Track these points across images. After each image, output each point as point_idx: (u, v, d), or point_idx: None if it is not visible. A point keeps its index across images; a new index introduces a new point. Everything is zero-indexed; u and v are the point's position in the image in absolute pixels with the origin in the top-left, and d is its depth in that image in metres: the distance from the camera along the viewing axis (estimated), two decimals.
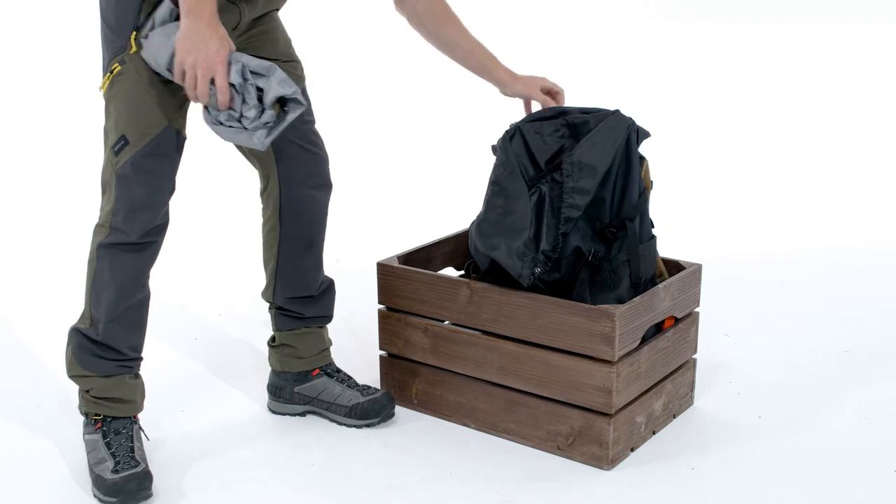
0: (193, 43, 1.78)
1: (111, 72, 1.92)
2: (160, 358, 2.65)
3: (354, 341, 2.74)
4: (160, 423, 2.27)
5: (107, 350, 2.04)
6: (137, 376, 2.10)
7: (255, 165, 2.21)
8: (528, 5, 5.14)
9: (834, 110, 4.73)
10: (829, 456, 2.12)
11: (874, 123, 4.64)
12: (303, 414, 2.32)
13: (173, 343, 2.75)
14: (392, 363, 2.35)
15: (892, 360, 2.60)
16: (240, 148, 2.21)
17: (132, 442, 2.03)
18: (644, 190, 2.15)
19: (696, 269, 2.26)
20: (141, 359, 2.10)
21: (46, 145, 4.35)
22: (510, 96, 2.30)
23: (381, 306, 2.33)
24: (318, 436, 2.23)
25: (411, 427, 2.27)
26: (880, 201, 3.99)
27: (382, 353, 2.36)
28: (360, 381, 2.42)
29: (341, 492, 2.00)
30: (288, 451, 2.17)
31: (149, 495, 1.95)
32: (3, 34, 4.58)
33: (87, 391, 2.06)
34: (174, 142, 1.96)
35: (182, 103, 1.97)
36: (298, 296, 2.26)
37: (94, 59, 1.99)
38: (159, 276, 3.28)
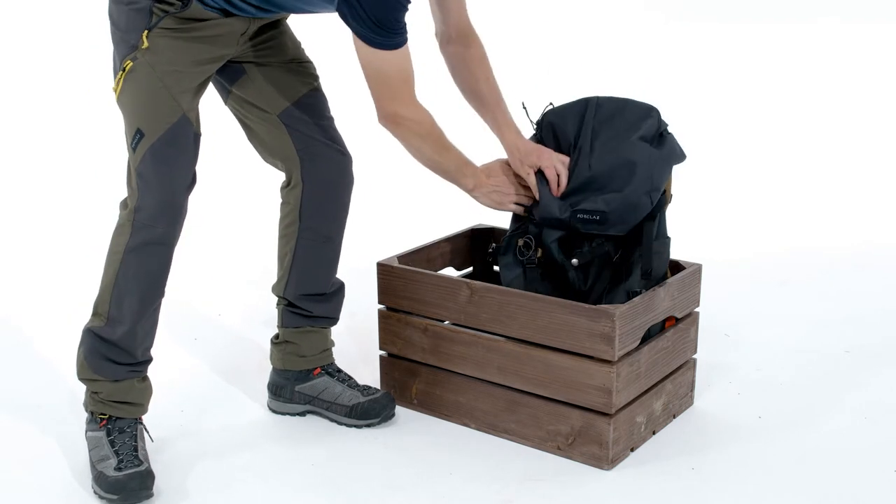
0: (493, 192, 2.24)
1: (123, 69, 1.93)
2: (160, 358, 2.64)
3: (354, 341, 2.74)
4: (160, 423, 2.27)
5: (121, 353, 2.04)
6: (145, 378, 2.11)
7: (276, 165, 2.23)
8: (528, 4, 5.14)
9: (834, 110, 4.73)
10: (829, 456, 2.12)
11: (875, 123, 4.63)
12: (303, 414, 2.32)
13: (173, 343, 2.75)
14: (392, 363, 2.35)
15: (892, 360, 2.59)
16: (258, 148, 2.22)
17: (136, 441, 2.03)
18: (664, 192, 2.21)
19: (696, 269, 2.26)
20: (150, 360, 2.11)
21: (56, 147, 4.35)
22: (522, 163, 2.28)
23: (381, 306, 2.33)
24: (318, 436, 2.23)
25: (411, 427, 2.27)
26: (880, 201, 3.99)
27: (382, 353, 2.36)
28: (360, 381, 2.42)
29: (341, 492, 2.00)
30: (288, 451, 2.17)
31: (150, 494, 1.95)
32: (23, 37, 4.58)
33: (96, 393, 2.06)
34: (190, 133, 1.97)
35: (194, 99, 1.98)
36: (311, 293, 2.26)
37: (105, 60, 2.01)
38: None
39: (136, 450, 2.01)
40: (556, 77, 4.78)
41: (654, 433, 2.21)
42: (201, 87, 2.00)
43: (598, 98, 2.23)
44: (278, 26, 2.14)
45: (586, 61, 5.00)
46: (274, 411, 2.34)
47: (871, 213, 3.86)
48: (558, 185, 2.22)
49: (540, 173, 2.23)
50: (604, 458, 2.06)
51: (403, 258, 2.35)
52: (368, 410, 2.24)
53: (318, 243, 2.23)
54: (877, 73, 4.86)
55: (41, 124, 4.42)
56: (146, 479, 1.94)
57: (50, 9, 4.59)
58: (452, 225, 2.65)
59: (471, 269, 2.59)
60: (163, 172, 1.94)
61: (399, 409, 2.34)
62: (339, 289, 2.33)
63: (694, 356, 2.33)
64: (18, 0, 4.60)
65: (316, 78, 2.19)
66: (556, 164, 2.22)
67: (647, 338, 2.14)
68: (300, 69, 2.16)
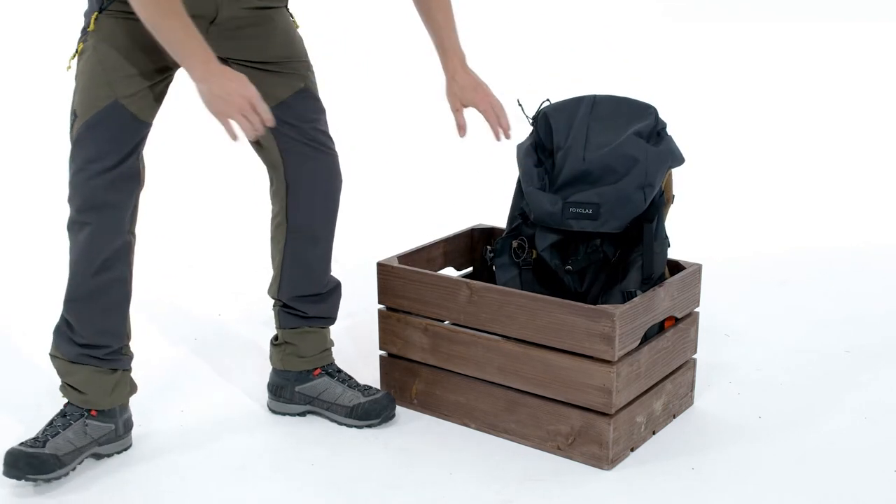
0: (220, 96, 1.85)
1: (76, 52, 1.97)
2: (161, 358, 2.65)
3: (354, 341, 2.74)
4: (161, 424, 2.27)
5: (71, 331, 2.07)
6: (112, 371, 2.10)
7: (266, 166, 2.23)
8: (528, 4, 5.14)
9: (834, 110, 4.73)
10: (829, 456, 2.12)
11: (875, 123, 4.64)
12: (303, 414, 2.32)
13: (173, 343, 2.75)
14: (392, 363, 2.35)
15: (892, 360, 2.60)
16: (253, 146, 2.21)
17: (63, 429, 2.05)
18: (662, 194, 2.20)
19: (696, 269, 2.26)
20: (108, 349, 2.09)
21: (56, 148, 4.34)
22: (456, 97, 2.19)
23: (381, 306, 2.33)
24: (318, 435, 2.23)
25: (411, 427, 2.27)
26: (880, 201, 3.99)
27: (382, 353, 2.36)
28: (361, 381, 2.42)
29: (341, 492, 2.01)
30: (288, 450, 2.17)
31: (24, 478, 1.96)
32: (21, 37, 4.58)
33: (57, 370, 2.10)
34: (123, 119, 1.96)
35: (141, 84, 1.96)
36: (304, 294, 2.26)
37: None
38: (160, 276, 3.28)
39: (54, 435, 2.03)
40: (556, 76, 4.78)
41: (654, 433, 2.21)
42: (155, 74, 1.98)
43: (595, 96, 2.23)
44: (261, 23, 2.08)
45: (586, 61, 5.00)
46: (274, 411, 2.34)
47: (871, 213, 3.87)
48: (501, 126, 2.16)
49: (538, 189, 2.20)
50: (604, 458, 2.06)
51: (403, 258, 2.35)
52: (369, 411, 2.24)
53: (307, 244, 2.22)
54: (877, 73, 4.87)
55: (38, 125, 4.42)
56: (27, 463, 1.96)
57: (48, 8, 4.59)
58: (452, 225, 2.65)
59: (471, 269, 2.59)
60: (80, 155, 1.97)
61: (399, 409, 2.34)
62: (335, 288, 2.32)
63: (694, 356, 2.33)
64: (18, 0, 4.60)
65: (303, 78, 2.15)
66: (495, 106, 2.16)
67: (646, 338, 2.14)
68: (285, 70, 2.12)
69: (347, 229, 3.66)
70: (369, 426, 2.25)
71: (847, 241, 3.57)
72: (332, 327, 2.44)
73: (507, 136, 2.17)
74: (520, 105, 2.30)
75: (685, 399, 2.32)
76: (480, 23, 5.05)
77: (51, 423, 2.07)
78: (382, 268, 2.30)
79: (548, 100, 2.27)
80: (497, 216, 3.53)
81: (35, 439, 2.02)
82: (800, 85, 4.87)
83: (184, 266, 3.37)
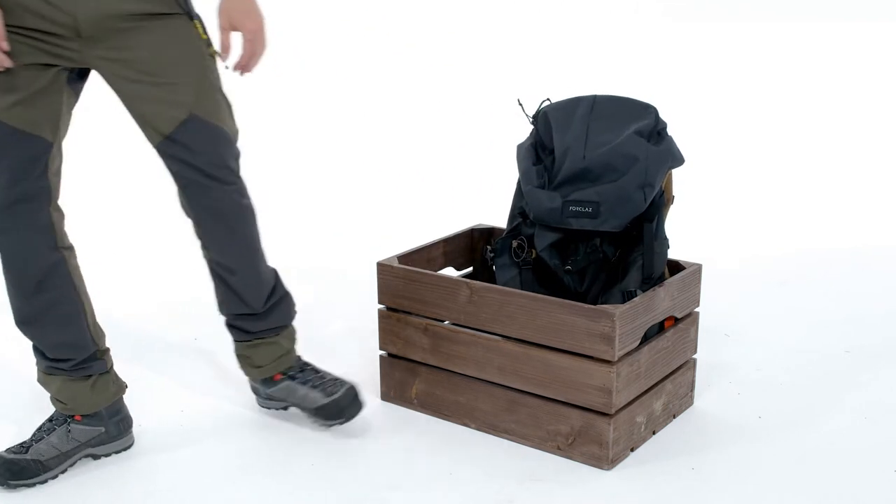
0: None
1: None
2: (160, 357, 2.65)
3: (354, 341, 2.74)
4: (160, 423, 2.27)
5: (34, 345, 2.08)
6: (86, 377, 2.08)
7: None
8: (528, 3, 5.14)
9: (834, 110, 4.73)
10: (829, 456, 2.12)
11: (875, 123, 4.64)
12: (285, 408, 2.32)
13: (173, 343, 2.75)
14: (392, 363, 2.35)
15: (892, 361, 2.60)
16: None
17: (47, 434, 2.06)
18: (662, 194, 2.19)
19: (696, 269, 2.26)
20: (87, 366, 2.08)
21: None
22: (227, 16, 1.92)
23: (381, 306, 2.33)
24: (318, 435, 2.23)
25: (411, 427, 2.27)
26: (881, 202, 3.99)
27: (382, 353, 2.36)
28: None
29: (341, 492, 2.01)
30: (288, 451, 2.17)
31: (6, 485, 1.98)
32: None
33: (37, 381, 2.12)
34: (3, 135, 1.85)
35: (21, 98, 1.84)
36: (242, 313, 2.18)
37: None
38: (160, 276, 3.29)
39: (39, 440, 2.04)
40: (556, 76, 4.78)
41: (654, 433, 2.21)
42: (32, 81, 1.84)
43: (595, 95, 2.24)
44: (133, 32, 1.87)
45: (586, 61, 5.00)
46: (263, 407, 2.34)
47: (871, 214, 3.87)
48: (248, 63, 1.96)
49: (537, 187, 2.20)
50: (604, 458, 2.06)
51: (403, 258, 2.35)
52: (331, 413, 2.18)
53: (227, 274, 2.12)
54: (877, 73, 4.87)
55: None
56: (8, 471, 1.97)
57: None
58: (452, 225, 2.65)
59: (471, 269, 2.59)
60: None
61: (399, 409, 2.34)
62: (279, 301, 2.20)
63: (694, 356, 2.33)
64: None
65: (186, 107, 1.92)
66: (258, 42, 1.92)
67: (646, 338, 2.14)
68: (167, 96, 1.91)
69: (347, 229, 3.66)
70: (341, 423, 2.20)
71: (847, 242, 3.57)
72: (333, 327, 2.43)
73: (241, 74, 1.95)
74: (520, 104, 2.30)
75: (685, 399, 2.32)
76: (481, 23, 5.06)
77: (39, 428, 2.09)
78: (382, 268, 2.30)
79: (548, 99, 2.28)
80: (497, 216, 3.53)
81: (21, 445, 2.04)
82: (800, 85, 4.87)
83: (184, 267, 3.37)
